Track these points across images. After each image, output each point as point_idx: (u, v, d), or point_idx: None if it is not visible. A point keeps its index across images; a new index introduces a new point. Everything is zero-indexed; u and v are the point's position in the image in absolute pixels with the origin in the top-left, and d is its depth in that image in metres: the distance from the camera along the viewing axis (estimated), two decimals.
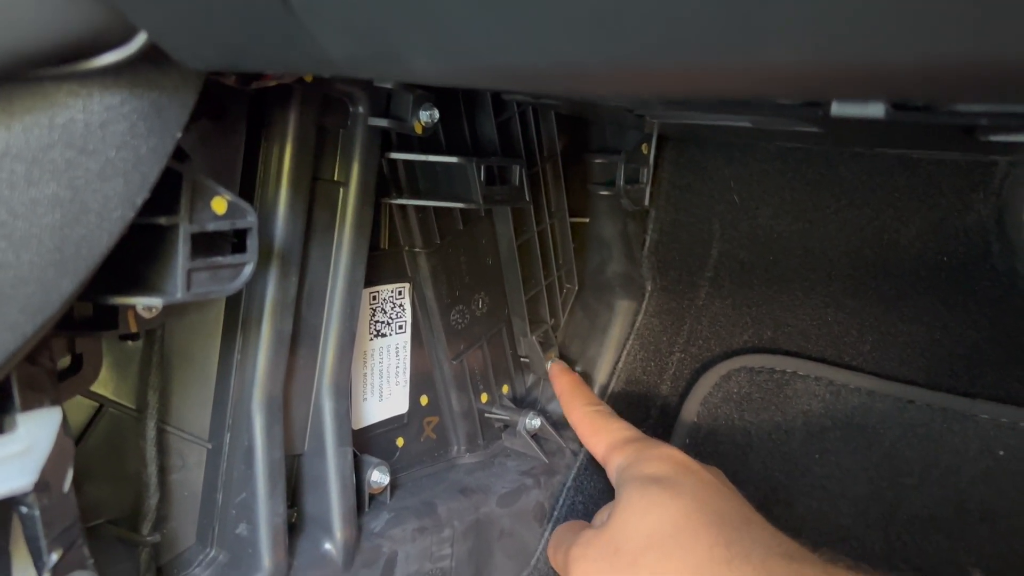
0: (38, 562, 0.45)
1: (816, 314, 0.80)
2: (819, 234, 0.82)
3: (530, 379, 0.88)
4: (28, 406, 0.44)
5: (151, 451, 0.57)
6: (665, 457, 0.62)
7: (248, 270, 0.49)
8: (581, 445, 0.80)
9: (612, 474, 0.65)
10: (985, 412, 0.68)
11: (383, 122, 0.62)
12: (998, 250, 0.73)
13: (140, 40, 0.38)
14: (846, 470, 0.71)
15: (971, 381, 0.70)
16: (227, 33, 0.36)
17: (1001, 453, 0.66)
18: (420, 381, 0.76)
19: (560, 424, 0.85)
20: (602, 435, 0.68)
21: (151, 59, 0.39)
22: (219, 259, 0.48)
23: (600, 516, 0.64)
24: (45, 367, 0.46)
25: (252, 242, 0.49)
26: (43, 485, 0.44)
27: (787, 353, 0.80)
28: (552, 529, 0.77)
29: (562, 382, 0.79)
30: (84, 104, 0.38)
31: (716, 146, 0.87)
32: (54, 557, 0.45)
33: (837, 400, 0.75)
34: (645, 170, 0.87)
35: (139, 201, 0.42)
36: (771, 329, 0.81)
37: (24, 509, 0.44)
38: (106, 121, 0.39)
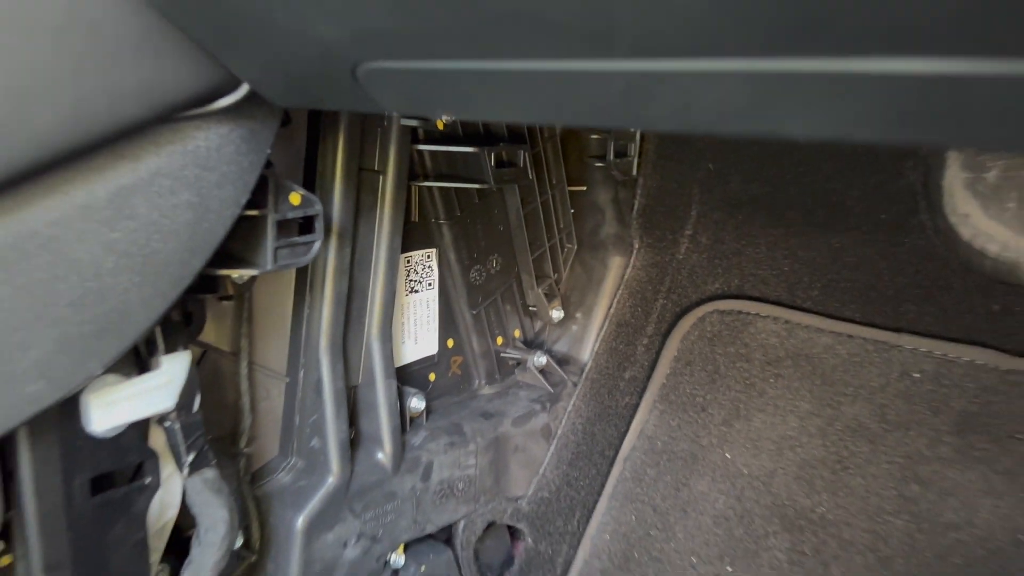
0: (179, 462, 0.61)
1: (775, 264, 0.93)
2: (780, 197, 0.94)
3: (538, 325, 1.02)
4: (168, 350, 0.59)
5: (244, 384, 0.72)
6: None
7: (316, 246, 0.63)
8: (580, 377, 0.95)
9: None
10: (906, 343, 0.82)
11: (412, 121, 0.76)
12: (923, 208, 0.86)
13: (244, 89, 0.52)
14: (794, 391, 0.85)
15: (896, 318, 0.83)
16: (310, 90, 0.50)
17: (916, 375, 0.80)
18: (447, 328, 0.91)
19: (563, 361, 1.00)
20: None
21: (250, 100, 0.53)
22: (295, 239, 0.62)
23: None
24: (176, 322, 0.61)
25: (319, 225, 0.63)
26: (180, 406, 0.60)
27: (751, 298, 0.93)
28: (557, 446, 0.92)
29: None
30: (205, 135, 0.52)
31: None
32: (189, 458, 0.61)
33: (790, 335, 0.88)
34: (633, 145, 1.00)
35: (243, 201, 0.56)
36: (738, 278, 0.95)
37: (168, 423, 0.60)
38: (220, 145, 0.53)
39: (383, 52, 0.41)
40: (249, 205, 0.58)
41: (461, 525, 0.86)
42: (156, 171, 0.50)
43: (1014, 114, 0.27)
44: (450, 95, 0.42)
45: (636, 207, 1.00)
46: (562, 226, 0.99)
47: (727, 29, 0.28)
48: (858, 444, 0.79)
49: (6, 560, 0.58)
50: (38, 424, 0.54)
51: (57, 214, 0.47)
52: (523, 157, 0.85)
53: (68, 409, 0.55)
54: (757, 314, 0.91)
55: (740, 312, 0.92)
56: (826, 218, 0.91)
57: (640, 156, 1.00)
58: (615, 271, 1.00)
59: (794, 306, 0.89)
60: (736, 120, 0.33)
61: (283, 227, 0.61)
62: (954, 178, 0.83)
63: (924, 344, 0.80)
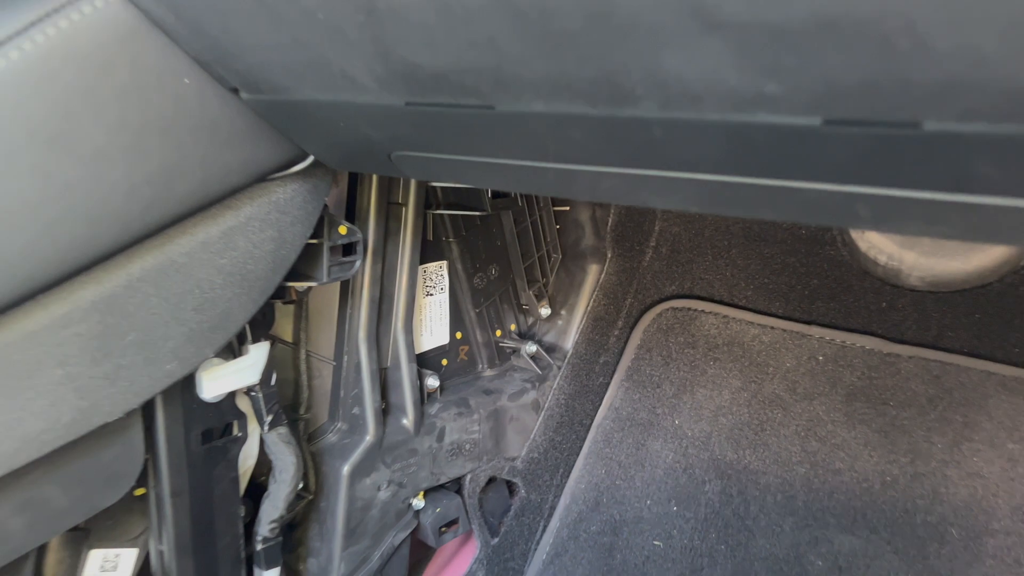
0: (261, 421, 0.83)
1: (719, 271, 1.13)
2: (724, 216, 1.15)
3: (529, 320, 1.24)
4: (253, 341, 0.81)
5: (302, 366, 0.95)
6: None
7: (357, 264, 0.85)
8: (563, 362, 1.16)
9: None
10: (815, 333, 1.02)
11: None
12: (837, 227, 1.06)
13: (310, 159, 0.74)
14: (728, 370, 1.05)
15: (809, 312, 1.03)
16: (357, 162, 0.72)
17: (820, 358, 1.00)
18: (455, 322, 1.12)
19: (550, 349, 1.21)
20: None
21: (314, 165, 0.75)
22: (343, 259, 0.84)
23: None
24: (258, 320, 0.83)
25: (359, 248, 0.85)
26: (262, 381, 0.82)
27: (698, 297, 1.14)
28: (545, 416, 1.13)
29: None
30: (283, 189, 0.74)
31: None
32: (269, 418, 0.83)
33: (726, 327, 1.09)
34: None
35: (308, 234, 0.78)
36: (689, 282, 1.15)
37: (253, 393, 0.82)
38: (293, 196, 0.75)
39: (407, 147, 0.63)
40: (311, 236, 0.80)
41: (468, 478, 1.07)
42: (251, 216, 0.72)
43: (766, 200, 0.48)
44: (448, 172, 0.64)
45: (610, 224, 1.21)
46: (548, 240, 1.21)
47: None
48: (774, 411, 1.00)
49: (140, 491, 0.81)
50: (169, 392, 0.75)
51: (187, 248, 0.69)
52: None
53: (188, 382, 0.77)
54: (702, 311, 1.12)
55: (689, 309, 1.13)
56: (760, 233, 1.11)
57: None
58: (592, 276, 1.21)
59: (732, 304, 1.10)
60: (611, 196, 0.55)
61: (334, 251, 0.83)
62: None
63: (828, 334, 1.00)
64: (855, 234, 1.02)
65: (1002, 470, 0.83)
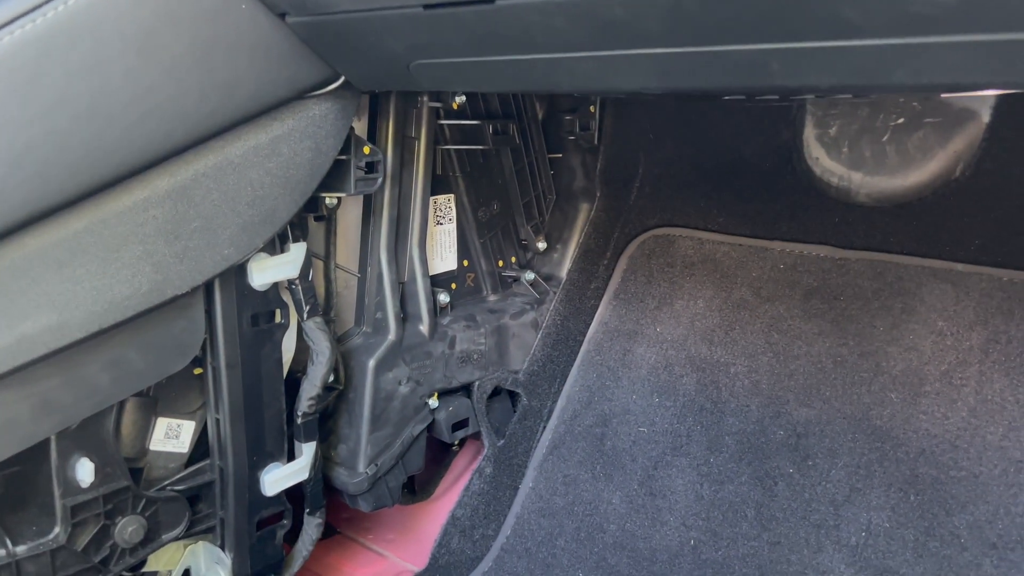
0: (300, 311, 0.96)
1: (694, 203, 1.26)
2: (699, 155, 1.28)
3: (528, 254, 1.37)
4: (294, 241, 0.95)
5: (331, 275, 1.08)
6: None
7: (379, 181, 0.98)
8: (558, 288, 1.29)
9: None
10: (776, 247, 1.14)
11: (437, 103, 1.11)
12: (794, 156, 1.20)
13: (342, 79, 0.87)
14: (702, 283, 1.17)
15: (772, 231, 1.16)
16: (380, 79, 0.85)
17: (782, 267, 1.13)
18: (462, 251, 1.25)
19: (546, 278, 1.35)
20: None
21: (345, 86, 0.89)
22: (368, 175, 0.98)
23: None
24: (296, 224, 0.96)
25: (381, 168, 0.98)
26: (301, 275, 0.95)
27: (676, 226, 1.27)
28: (543, 333, 1.26)
29: None
30: (319, 106, 0.87)
31: (638, 103, 1.35)
32: (307, 308, 0.96)
33: (701, 248, 1.22)
34: (594, 122, 1.34)
35: (339, 147, 0.91)
36: (669, 214, 1.28)
37: (293, 286, 0.95)
38: (327, 113, 0.88)
39: (423, 55, 0.77)
40: (340, 153, 0.94)
41: (476, 385, 1.20)
42: (292, 128, 0.86)
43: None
44: (457, 76, 0.78)
45: (599, 167, 1.35)
46: (544, 181, 1.34)
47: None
48: (741, 314, 1.12)
49: (198, 371, 0.94)
50: (225, 277, 0.88)
51: (241, 151, 0.82)
52: (511, 128, 1.20)
53: (241, 271, 0.90)
54: (680, 236, 1.25)
55: (668, 236, 1.26)
56: (730, 167, 1.25)
57: (600, 131, 1.35)
58: (584, 213, 1.34)
59: (705, 229, 1.24)
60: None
61: (359, 168, 0.97)
62: (810, 134, 1.17)
63: (788, 247, 1.13)
64: (810, 160, 1.15)
65: (933, 343, 0.96)
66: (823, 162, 1.14)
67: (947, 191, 1.04)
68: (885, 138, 1.09)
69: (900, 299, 1.00)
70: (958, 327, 0.95)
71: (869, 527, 0.89)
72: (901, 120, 1.08)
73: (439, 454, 1.28)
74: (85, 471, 0.80)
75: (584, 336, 1.26)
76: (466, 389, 1.20)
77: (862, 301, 1.01)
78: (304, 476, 0.98)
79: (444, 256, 1.21)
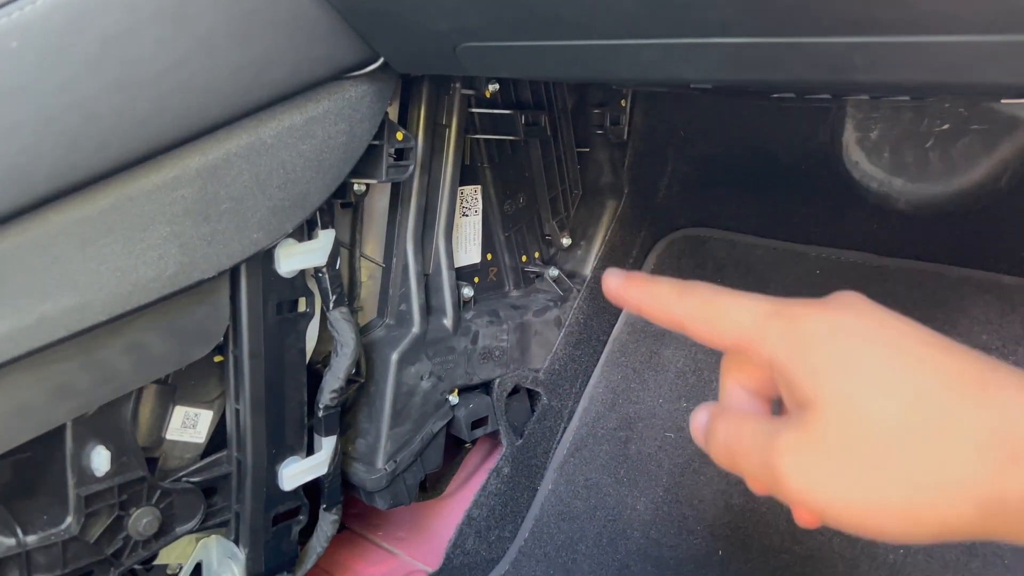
0: (326, 301, 0.92)
1: (725, 202, 1.23)
2: (730, 154, 1.25)
3: (552, 250, 1.33)
4: (322, 227, 0.91)
5: (356, 265, 1.04)
6: (853, 308, 0.39)
7: (411, 168, 0.94)
8: (582, 285, 1.26)
9: (763, 350, 0.39)
10: (812, 251, 1.11)
11: (469, 90, 1.07)
12: (831, 158, 1.16)
13: (380, 61, 0.83)
14: (734, 285, 1.13)
15: (807, 235, 1.13)
16: (422, 61, 0.81)
17: (817, 272, 1.10)
18: (486, 245, 1.21)
19: (570, 275, 1.31)
20: (732, 313, 0.42)
21: (383, 68, 0.85)
22: (399, 162, 0.94)
23: (758, 397, 0.42)
24: (324, 211, 0.92)
25: (413, 155, 0.94)
26: (328, 264, 0.91)
27: (707, 226, 1.23)
28: (566, 332, 1.22)
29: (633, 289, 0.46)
30: (356, 88, 0.83)
31: (670, 98, 1.31)
32: (333, 298, 0.92)
33: (733, 250, 1.18)
34: (624, 116, 1.31)
35: (373, 132, 0.87)
36: (700, 213, 1.24)
37: (320, 275, 0.92)
38: (364, 94, 0.84)
39: (471, 37, 0.73)
40: (373, 138, 0.90)
41: (496, 383, 1.16)
42: (328, 109, 0.82)
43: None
44: (507, 61, 0.74)
45: (626, 163, 1.31)
46: (571, 176, 1.30)
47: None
48: None
49: (219, 358, 0.90)
50: (252, 263, 0.84)
51: (275, 131, 0.78)
52: (543, 119, 1.16)
53: (268, 257, 0.86)
54: (710, 237, 1.21)
55: (698, 237, 1.23)
56: (763, 168, 1.21)
57: (629, 126, 1.31)
58: (610, 210, 1.31)
59: (737, 230, 1.20)
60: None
61: (390, 154, 0.93)
62: (850, 137, 1.14)
63: (824, 252, 1.10)
64: (848, 164, 1.12)
65: None
66: (863, 166, 1.10)
67: (992, 200, 1.01)
68: (929, 144, 1.05)
69: (942, 310, 0.97)
70: (1004, 341, 0.91)
71: (908, 544, 0.86)
72: (946, 126, 1.04)
73: (450, 451, 1.24)
74: (101, 459, 0.76)
75: (608, 336, 1.22)
76: (485, 387, 1.17)
77: (901, 311, 0.98)
78: (323, 471, 0.95)
79: (468, 249, 1.18)
